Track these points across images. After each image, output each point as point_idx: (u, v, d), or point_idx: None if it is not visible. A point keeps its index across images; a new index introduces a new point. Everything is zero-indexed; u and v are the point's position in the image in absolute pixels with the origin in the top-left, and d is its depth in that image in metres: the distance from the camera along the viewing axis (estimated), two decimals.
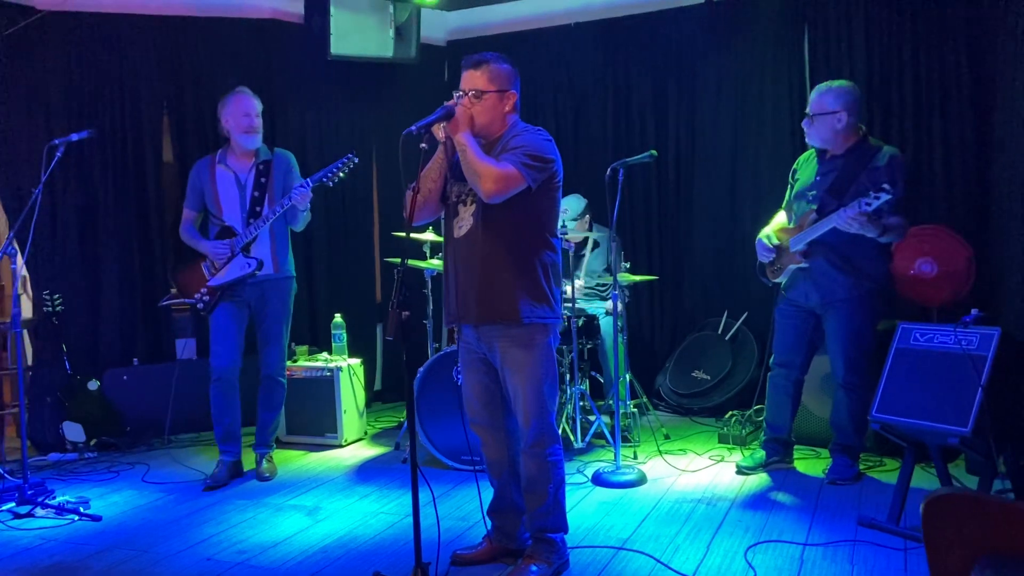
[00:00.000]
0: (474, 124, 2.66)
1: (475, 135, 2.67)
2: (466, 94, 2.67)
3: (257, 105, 3.94)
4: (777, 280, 3.73)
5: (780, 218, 3.79)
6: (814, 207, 3.51)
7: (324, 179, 3.82)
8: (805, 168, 3.71)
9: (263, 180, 3.91)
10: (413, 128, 2.54)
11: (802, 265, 3.56)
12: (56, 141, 3.65)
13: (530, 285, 2.68)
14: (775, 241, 3.68)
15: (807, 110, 3.58)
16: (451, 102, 2.66)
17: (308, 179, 3.79)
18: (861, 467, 3.71)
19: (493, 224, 2.66)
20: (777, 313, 3.79)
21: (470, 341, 2.80)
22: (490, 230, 2.66)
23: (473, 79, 2.69)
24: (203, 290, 3.88)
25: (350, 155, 3.85)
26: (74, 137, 3.68)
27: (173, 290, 4.06)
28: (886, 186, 3.15)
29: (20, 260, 3.86)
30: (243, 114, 3.88)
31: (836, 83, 3.57)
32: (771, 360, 3.84)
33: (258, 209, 3.88)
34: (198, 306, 3.90)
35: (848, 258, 3.48)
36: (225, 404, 3.94)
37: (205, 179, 3.95)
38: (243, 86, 3.99)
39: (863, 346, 3.56)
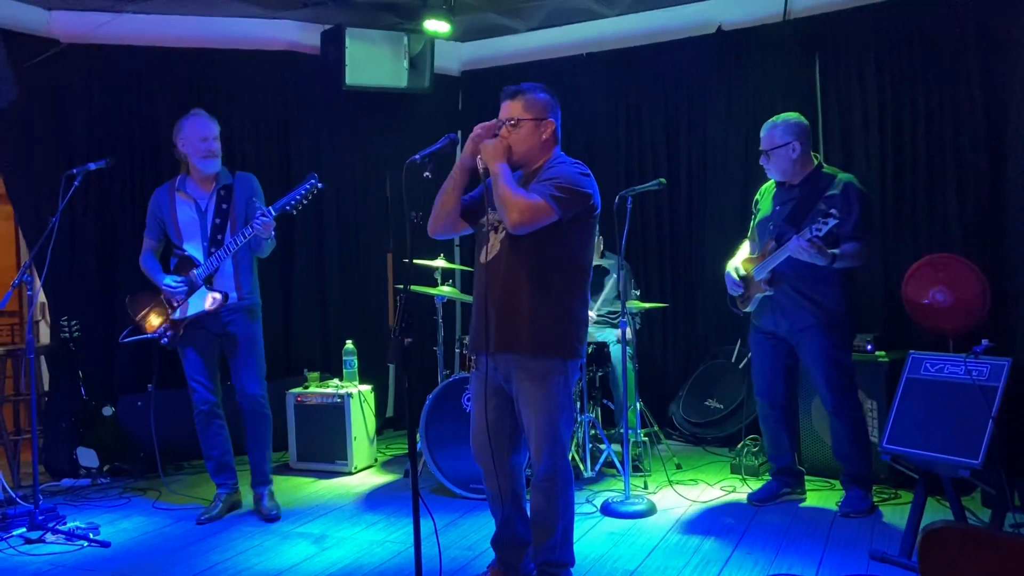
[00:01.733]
0: (511, 153, 2.68)
1: (514, 164, 2.69)
2: (504, 124, 2.71)
3: (215, 128, 3.75)
4: (747, 309, 3.79)
5: (744, 249, 3.86)
6: (774, 236, 3.58)
7: (287, 207, 3.61)
8: (765, 199, 3.79)
9: (224, 206, 3.74)
10: (416, 157, 2.58)
11: (767, 293, 3.61)
12: (74, 170, 3.72)
13: (550, 317, 2.65)
14: (742, 273, 3.73)
15: (760, 147, 3.65)
16: (479, 132, 2.71)
17: (270, 207, 3.59)
18: (875, 499, 3.65)
19: (519, 253, 2.65)
20: (751, 343, 3.83)
21: (487, 369, 2.78)
22: (515, 258, 2.66)
23: (510, 109, 2.72)
24: (166, 324, 3.75)
25: (313, 180, 3.64)
26: (91, 166, 3.73)
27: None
28: (833, 211, 3.24)
29: (37, 285, 3.91)
30: (200, 138, 3.70)
31: (782, 116, 3.67)
32: (754, 392, 3.85)
33: (219, 237, 3.71)
34: (162, 341, 3.76)
35: (810, 284, 3.54)
36: (212, 437, 3.85)
37: (164, 207, 3.79)
38: (199, 108, 3.82)
39: (843, 370, 3.59)
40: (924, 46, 4.46)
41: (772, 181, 3.76)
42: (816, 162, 3.64)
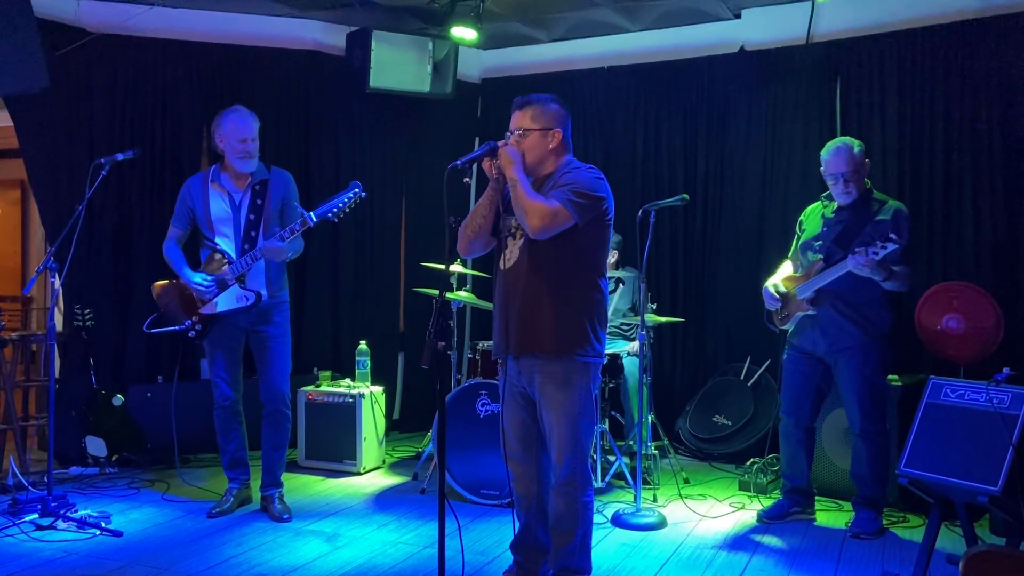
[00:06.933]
0: (525, 162, 2.73)
1: (526, 173, 2.73)
2: (513, 134, 2.77)
3: (254, 127, 3.70)
4: (784, 327, 3.80)
5: (786, 268, 3.88)
6: (821, 256, 3.60)
7: (329, 215, 3.55)
8: (811, 219, 3.81)
9: (259, 202, 3.71)
10: (458, 163, 2.61)
11: (809, 312, 3.62)
12: (102, 160, 3.74)
13: (571, 320, 2.70)
14: (782, 290, 3.75)
15: (842, 169, 3.61)
16: (500, 142, 2.75)
17: (312, 212, 3.54)
18: (884, 522, 3.68)
19: (538, 258, 2.71)
20: (785, 361, 3.85)
21: (511, 375, 2.82)
22: (535, 263, 2.71)
23: (519, 119, 2.79)
24: (194, 318, 3.72)
25: (357, 189, 3.60)
26: (119, 156, 3.75)
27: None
28: (892, 236, 3.25)
29: (58, 275, 3.91)
30: (239, 139, 3.66)
31: (854, 140, 3.69)
32: (780, 409, 3.86)
33: (253, 235, 3.68)
34: (189, 335, 3.73)
35: (855, 305, 3.56)
36: (229, 431, 3.85)
37: (197, 198, 3.74)
38: (239, 105, 3.78)
39: (876, 393, 3.61)
40: (945, 73, 4.50)
41: (818, 203, 3.80)
42: (867, 186, 3.66)
